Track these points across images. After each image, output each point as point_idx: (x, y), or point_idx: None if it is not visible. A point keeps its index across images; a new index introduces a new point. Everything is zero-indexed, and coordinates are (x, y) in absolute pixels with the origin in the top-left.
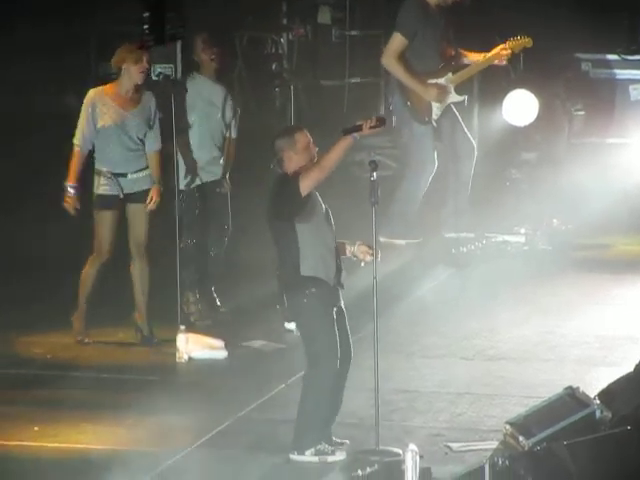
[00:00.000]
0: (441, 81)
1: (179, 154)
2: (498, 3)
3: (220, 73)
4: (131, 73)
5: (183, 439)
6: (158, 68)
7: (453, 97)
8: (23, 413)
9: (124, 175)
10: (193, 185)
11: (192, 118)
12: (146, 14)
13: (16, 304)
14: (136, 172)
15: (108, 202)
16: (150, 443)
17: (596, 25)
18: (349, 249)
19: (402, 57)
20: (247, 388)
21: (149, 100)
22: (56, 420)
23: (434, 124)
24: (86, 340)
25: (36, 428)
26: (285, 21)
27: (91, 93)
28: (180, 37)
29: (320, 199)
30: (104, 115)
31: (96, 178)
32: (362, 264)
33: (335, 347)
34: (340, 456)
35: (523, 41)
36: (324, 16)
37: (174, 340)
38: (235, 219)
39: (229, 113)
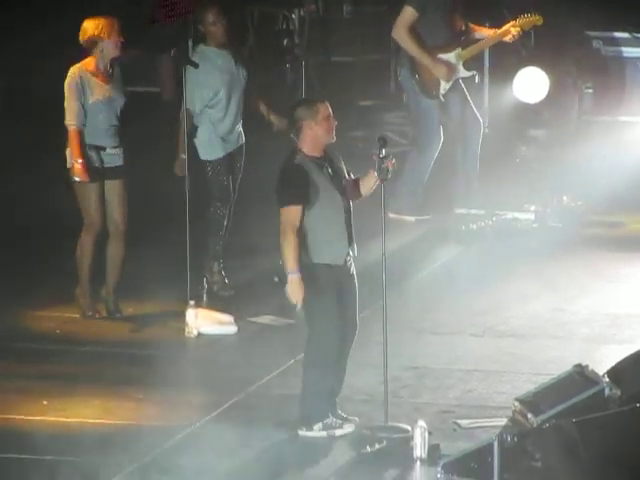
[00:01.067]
0: (450, 56)
1: (204, 125)
2: None
3: (226, 45)
4: (106, 48)
5: (192, 414)
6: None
7: (462, 72)
8: (32, 387)
9: (103, 149)
10: (218, 155)
11: (211, 89)
12: None
13: (24, 276)
14: (114, 147)
15: (90, 175)
16: (159, 418)
17: (607, 2)
18: (363, 185)
19: (413, 30)
20: (256, 363)
21: (119, 72)
22: (65, 394)
23: (441, 99)
24: (97, 315)
25: (45, 402)
26: None
27: (74, 70)
28: (190, 12)
29: (328, 171)
30: (93, 91)
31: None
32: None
33: (333, 327)
34: (348, 428)
35: (533, 19)
36: None
37: (183, 314)
38: (246, 194)
39: (243, 77)
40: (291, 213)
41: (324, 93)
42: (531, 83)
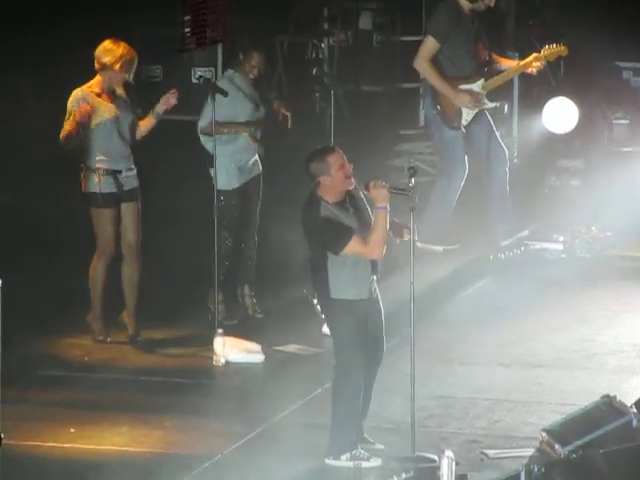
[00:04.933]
0: (473, 87)
1: (221, 154)
2: (539, 8)
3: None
4: (114, 78)
5: (219, 443)
6: (199, 71)
7: (485, 104)
8: (59, 414)
9: (119, 172)
10: (234, 186)
11: (236, 115)
12: (187, 17)
13: (51, 304)
14: (128, 170)
15: (107, 200)
16: (186, 446)
17: (638, 33)
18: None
19: (434, 61)
20: (283, 392)
21: (130, 90)
22: (92, 422)
23: (463, 130)
24: (108, 340)
25: (72, 430)
26: (326, 26)
27: (77, 92)
28: (220, 41)
29: (352, 210)
30: (98, 111)
31: (93, 176)
32: (397, 241)
33: (358, 359)
34: (375, 462)
35: (559, 49)
36: (365, 21)
37: (211, 343)
38: (272, 221)
39: (264, 108)
40: (353, 246)
41: (353, 122)
42: (560, 113)
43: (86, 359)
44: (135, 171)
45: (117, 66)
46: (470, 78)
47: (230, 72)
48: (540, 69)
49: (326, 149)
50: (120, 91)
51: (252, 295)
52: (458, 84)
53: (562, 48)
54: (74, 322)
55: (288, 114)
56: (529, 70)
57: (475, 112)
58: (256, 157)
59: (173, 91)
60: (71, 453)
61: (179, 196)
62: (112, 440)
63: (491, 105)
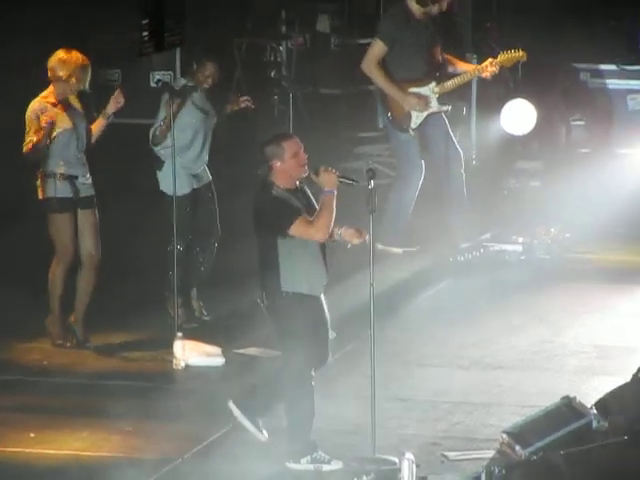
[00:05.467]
0: (423, 90)
1: (170, 159)
2: (496, 11)
3: (211, 91)
4: (63, 88)
5: (180, 446)
6: (157, 75)
7: (435, 107)
8: (19, 419)
9: (76, 177)
10: (185, 192)
11: (185, 125)
12: (145, 21)
13: (11, 308)
14: (84, 177)
15: (64, 205)
16: (147, 450)
17: (595, 35)
18: (336, 232)
19: (385, 63)
20: (243, 395)
21: (85, 98)
22: (52, 427)
23: (411, 132)
24: (67, 345)
25: (32, 434)
26: (284, 29)
27: (34, 103)
28: (179, 45)
29: (310, 201)
30: (56, 122)
31: (49, 181)
32: (348, 245)
33: (310, 360)
34: (336, 465)
35: (516, 55)
36: (323, 24)
37: (171, 347)
38: (228, 224)
39: (215, 120)
40: (299, 226)
41: (312, 125)
42: (519, 115)
43: (45, 363)
44: (90, 180)
45: (72, 80)
46: (421, 81)
47: (182, 81)
48: (495, 74)
49: (283, 135)
50: (74, 100)
51: (198, 298)
52: (408, 87)
53: (520, 54)
54: (32, 326)
55: (246, 98)
56: (484, 75)
57: (425, 115)
58: (204, 166)
59: (118, 91)
60: (31, 458)
61: (136, 200)
62: (72, 445)
63: (442, 109)
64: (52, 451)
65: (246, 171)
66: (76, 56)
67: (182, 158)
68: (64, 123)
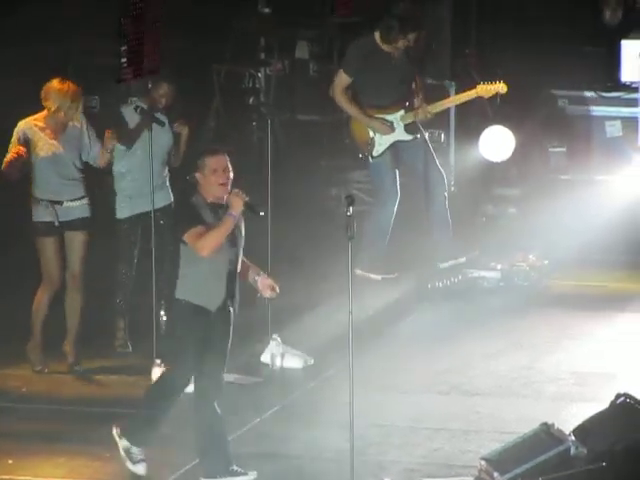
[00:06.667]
0: (389, 117)
1: (116, 183)
2: (475, 39)
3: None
4: (56, 117)
5: (158, 473)
6: (137, 102)
7: (400, 135)
8: None
9: (59, 203)
10: (131, 214)
11: (135, 147)
12: (124, 47)
13: None
14: (72, 200)
15: (46, 230)
16: (125, 477)
17: (573, 62)
18: (251, 276)
19: (355, 89)
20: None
21: (80, 123)
22: (31, 453)
23: (370, 160)
24: (45, 370)
25: (10, 461)
26: (263, 56)
27: (21, 124)
28: (157, 71)
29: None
30: (36, 147)
31: (34, 206)
32: (258, 295)
33: (184, 373)
34: (252, 476)
35: (496, 87)
36: (302, 51)
37: (149, 373)
38: None
39: (169, 142)
40: (191, 235)
41: (290, 151)
42: (497, 142)
43: (24, 390)
44: (84, 201)
45: (60, 114)
46: (389, 108)
47: (134, 100)
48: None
49: (212, 150)
50: (76, 119)
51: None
52: (374, 113)
53: (500, 86)
54: (12, 352)
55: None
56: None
57: (390, 142)
58: (160, 189)
59: (107, 138)
60: None
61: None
62: (51, 471)
63: (408, 137)
64: (30, 477)
65: None
66: (70, 88)
67: (128, 180)
68: (42, 151)
